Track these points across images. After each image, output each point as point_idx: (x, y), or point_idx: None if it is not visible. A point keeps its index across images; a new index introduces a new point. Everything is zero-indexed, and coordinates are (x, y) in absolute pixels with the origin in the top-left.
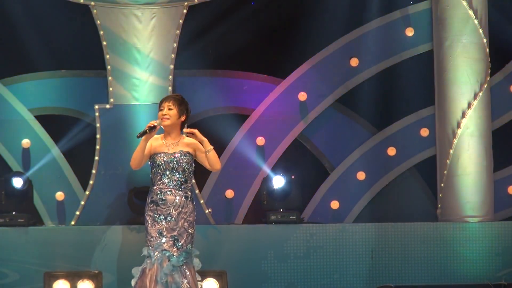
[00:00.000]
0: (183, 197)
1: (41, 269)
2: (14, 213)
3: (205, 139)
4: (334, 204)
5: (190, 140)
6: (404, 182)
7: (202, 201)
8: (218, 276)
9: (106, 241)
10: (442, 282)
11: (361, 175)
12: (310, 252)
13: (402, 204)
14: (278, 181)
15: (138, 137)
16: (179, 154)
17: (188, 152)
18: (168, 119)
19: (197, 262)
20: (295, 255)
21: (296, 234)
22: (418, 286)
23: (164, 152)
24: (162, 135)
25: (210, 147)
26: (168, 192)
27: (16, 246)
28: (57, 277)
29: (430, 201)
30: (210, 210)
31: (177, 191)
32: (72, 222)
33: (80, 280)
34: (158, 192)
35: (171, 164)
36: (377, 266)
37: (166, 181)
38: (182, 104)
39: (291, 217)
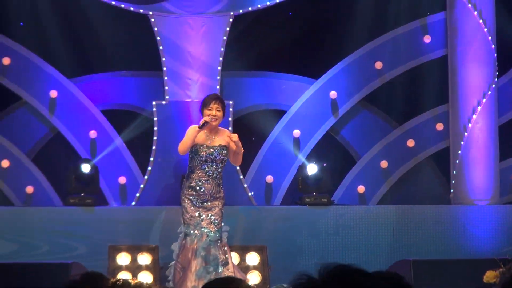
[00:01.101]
0: (217, 185)
1: (105, 243)
2: (82, 194)
3: (239, 143)
4: (360, 189)
5: (225, 132)
6: (421, 170)
7: (245, 185)
8: (259, 250)
9: (162, 219)
10: (454, 257)
11: (384, 164)
12: (339, 230)
13: (420, 189)
14: (312, 168)
15: (200, 128)
16: (219, 148)
17: (225, 146)
18: (217, 119)
19: (225, 234)
20: (326, 232)
21: (327, 214)
22: (433, 261)
23: (206, 145)
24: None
25: (242, 149)
26: (206, 181)
27: (85, 223)
28: (120, 250)
29: (444, 187)
30: (252, 193)
31: (213, 180)
32: (133, 203)
33: (140, 253)
34: (197, 180)
35: (211, 156)
36: (397, 243)
37: (206, 170)
38: (225, 107)
39: (322, 199)
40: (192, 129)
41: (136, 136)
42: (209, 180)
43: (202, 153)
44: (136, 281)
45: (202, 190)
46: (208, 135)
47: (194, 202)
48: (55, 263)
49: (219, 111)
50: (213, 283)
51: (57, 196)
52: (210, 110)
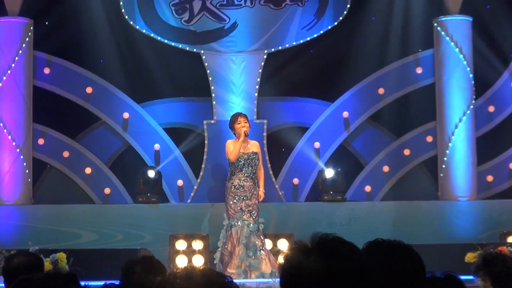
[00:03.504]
0: (253, 183)
1: (167, 233)
2: (149, 194)
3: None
4: (368, 188)
5: (255, 143)
6: (415, 173)
7: (277, 186)
8: (288, 237)
9: (211, 213)
10: (441, 242)
11: (386, 168)
12: (351, 221)
13: (414, 188)
14: (329, 173)
15: (245, 136)
16: (252, 153)
17: (256, 153)
18: (247, 130)
19: (261, 226)
20: (340, 223)
21: (341, 209)
22: (425, 245)
23: (242, 152)
24: (235, 139)
25: (262, 188)
26: (246, 180)
27: (150, 217)
28: (178, 238)
29: (433, 186)
30: (282, 192)
31: (250, 179)
32: (188, 201)
33: (194, 240)
34: (238, 180)
35: (248, 161)
36: (397, 231)
37: (244, 172)
38: (248, 119)
39: (337, 197)
40: (232, 141)
41: (191, 148)
42: (247, 179)
43: (241, 158)
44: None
45: (243, 188)
46: (243, 144)
47: (237, 199)
48: (127, 249)
49: (246, 122)
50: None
51: (129, 196)
52: (239, 123)
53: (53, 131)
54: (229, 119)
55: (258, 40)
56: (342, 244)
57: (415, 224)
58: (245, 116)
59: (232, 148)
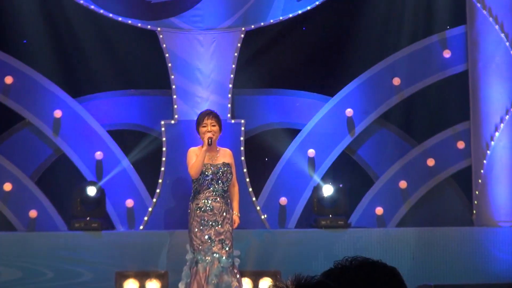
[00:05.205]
0: (226, 204)
1: (112, 269)
2: (88, 218)
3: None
4: (379, 210)
5: (226, 151)
6: (442, 190)
7: (258, 208)
8: (273, 275)
9: (171, 244)
10: (477, 281)
11: (403, 184)
12: (357, 254)
13: (441, 211)
14: (328, 190)
15: (209, 145)
16: (223, 165)
17: (228, 164)
18: (214, 134)
19: (237, 261)
20: (343, 257)
21: (344, 237)
22: (456, 285)
23: (209, 163)
24: (200, 147)
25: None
26: (215, 200)
27: (90, 248)
28: (127, 276)
29: (466, 208)
30: (265, 216)
31: (221, 199)
32: (141, 227)
33: (148, 279)
34: (205, 200)
35: (217, 175)
36: (418, 267)
37: (212, 189)
38: (220, 119)
39: (339, 222)
40: (197, 150)
41: (144, 157)
42: (217, 198)
43: (207, 171)
44: None
45: (211, 209)
46: (210, 154)
47: (204, 225)
48: None
49: (214, 125)
50: None
51: (62, 220)
52: (204, 126)
53: None
54: (194, 118)
55: (233, 14)
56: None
57: (442, 258)
58: (214, 117)
59: (194, 159)
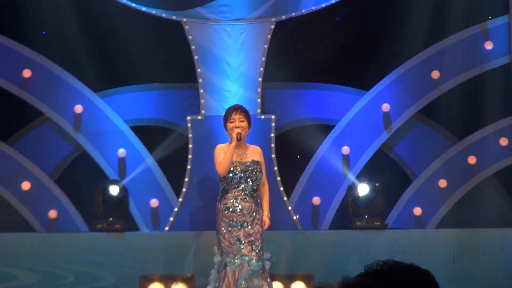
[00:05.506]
0: (255, 204)
1: (136, 272)
2: (111, 219)
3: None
4: (417, 211)
5: (256, 148)
6: (484, 189)
7: (290, 208)
8: (306, 279)
9: (198, 246)
10: None
11: (442, 183)
12: (394, 256)
13: (483, 211)
14: (363, 189)
15: (238, 141)
16: (252, 163)
17: (258, 162)
18: (242, 130)
19: (267, 264)
20: (378, 260)
21: (380, 239)
22: None
23: (238, 161)
24: (228, 143)
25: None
26: (244, 200)
27: (113, 250)
28: (151, 280)
29: (509, 208)
30: (297, 216)
31: (250, 198)
32: (166, 228)
33: (174, 283)
34: (233, 199)
35: (246, 173)
36: (458, 270)
37: (241, 188)
38: (249, 115)
39: (375, 223)
40: (225, 147)
41: (169, 154)
42: (246, 198)
43: (236, 169)
44: None
45: (239, 210)
46: (238, 151)
47: (232, 224)
48: None
49: (242, 121)
50: None
51: (83, 221)
52: (232, 122)
53: None
54: (221, 114)
55: (263, 4)
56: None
57: (485, 261)
58: (242, 111)
59: (222, 156)
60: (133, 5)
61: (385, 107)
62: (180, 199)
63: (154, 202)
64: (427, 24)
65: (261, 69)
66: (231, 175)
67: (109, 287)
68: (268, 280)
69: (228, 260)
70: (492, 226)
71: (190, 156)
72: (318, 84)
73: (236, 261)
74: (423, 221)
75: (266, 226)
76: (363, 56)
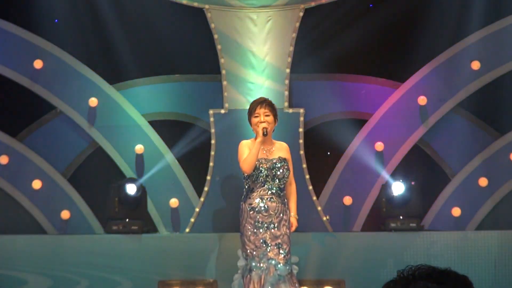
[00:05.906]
0: (282, 204)
1: (154, 277)
2: (127, 220)
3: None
4: (456, 211)
5: (282, 144)
6: None
7: (319, 208)
8: (337, 285)
9: (221, 249)
10: None
11: (483, 181)
12: (431, 260)
13: None
14: (398, 188)
15: (264, 135)
16: (279, 160)
17: (285, 159)
18: (269, 124)
19: (295, 268)
20: (414, 263)
21: (416, 241)
22: None
23: (264, 158)
24: (253, 139)
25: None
26: (270, 199)
27: (130, 253)
28: (171, 286)
29: None
30: (327, 217)
31: (277, 198)
32: (187, 230)
33: None
34: (260, 199)
35: (273, 171)
36: (501, 276)
37: (267, 187)
38: (275, 109)
39: (411, 224)
40: (249, 143)
41: (190, 151)
42: (272, 197)
43: (262, 167)
44: None
45: (265, 210)
46: (264, 147)
47: (257, 226)
48: None
49: (267, 115)
50: None
51: (98, 222)
52: (257, 117)
53: None
54: (246, 107)
55: None
56: None
57: None
58: (268, 104)
59: (247, 153)
60: None
61: (422, 100)
62: (202, 199)
63: (174, 202)
64: (467, 10)
65: (289, 59)
66: (256, 173)
67: None
68: (296, 285)
69: (253, 264)
70: None
71: (212, 153)
72: (349, 76)
73: (262, 265)
74: (462, 223)
75: (293, 228)
76: (398, 45)
